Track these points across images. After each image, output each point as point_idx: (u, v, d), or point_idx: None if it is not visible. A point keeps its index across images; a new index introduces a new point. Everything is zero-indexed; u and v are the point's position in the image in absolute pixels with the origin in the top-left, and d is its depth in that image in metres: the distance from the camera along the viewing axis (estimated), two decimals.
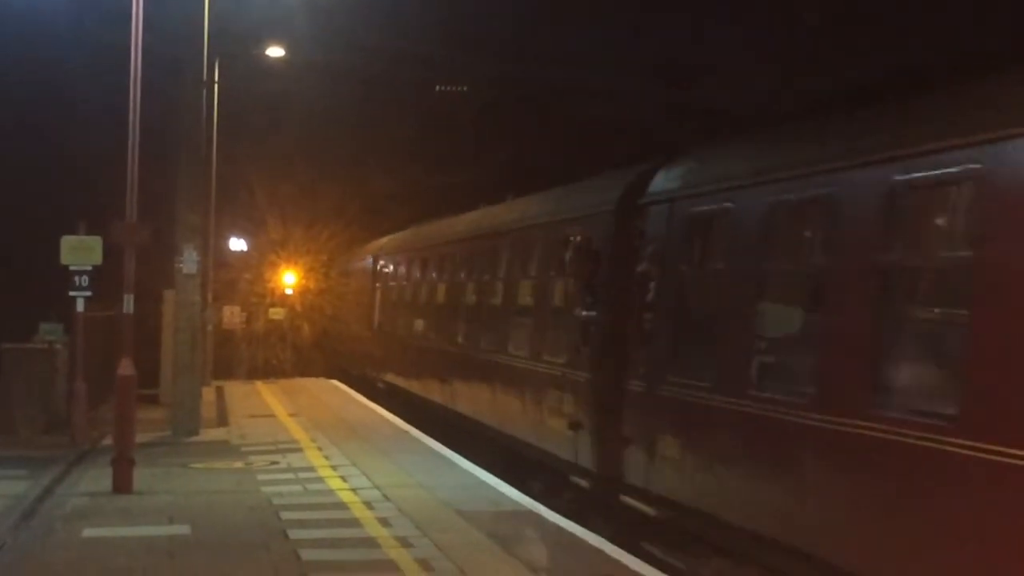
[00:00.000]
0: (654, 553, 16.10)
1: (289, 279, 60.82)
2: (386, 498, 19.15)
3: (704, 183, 16.29)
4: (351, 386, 42.59)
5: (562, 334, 20.64)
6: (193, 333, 27.80)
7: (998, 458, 9.62)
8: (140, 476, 20.31)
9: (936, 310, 11.13)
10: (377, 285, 42.02)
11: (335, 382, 45.44)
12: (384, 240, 44.89)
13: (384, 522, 17.22)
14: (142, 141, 21.57)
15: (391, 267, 40.05)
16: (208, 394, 35.46)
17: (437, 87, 67.80)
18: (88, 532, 16.62)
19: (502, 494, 19.86)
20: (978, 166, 10.41)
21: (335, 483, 20.78)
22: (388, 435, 27.90)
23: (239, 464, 23.20)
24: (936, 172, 11.02)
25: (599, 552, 15.57)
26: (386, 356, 38.86)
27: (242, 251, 61.41)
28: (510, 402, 23.33)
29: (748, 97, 44.58)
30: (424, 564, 14.55)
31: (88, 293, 26.28)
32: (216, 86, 40.71)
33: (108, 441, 23.47)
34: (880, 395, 11.33)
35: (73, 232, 25.95)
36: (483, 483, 20.99)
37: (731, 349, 14.42)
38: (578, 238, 20.23)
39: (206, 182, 35.45)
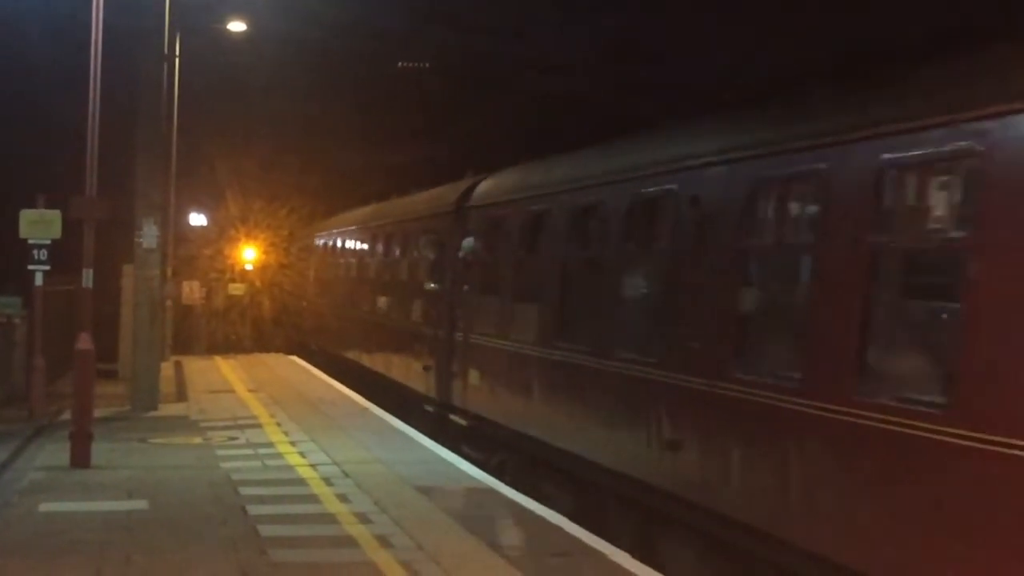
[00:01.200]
0: (469, 453, 22.27)
1: (249, 254, 60.67)
2: (345, 474, 19.17)
3: (493, 196, 23.92)
4: (311, 362, 42.57)
5: (422, 302, 28.22)
6: (152, 308, 27.73)
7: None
8: (98, 451, 20.26)
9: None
10: (311, 262, 47.92)
11: (294, 358, 45.41)
12: (331, 219, 47.60)
13: (343, 498, 17.24)
14: (102, 115, 21.47)
15: (328, 245, 44.58)
16: (167, 369, 35.39)
17: (399, 63, 67.67)
18: (45, 507, 16.58)
19: (461, 471, 19.91)
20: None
21: (294, 459, 20.79)
22: (348, 411, 27.91)
23: (198, 439, 23.17)
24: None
25: (557, 528, 15.63)
26: (320, 325, 44.44)
27: (202, 226, 61.18)
28: (393, 354, 30.77)
29: (707, 74, 44.68)
30: (383, 540, 14.58)
31: (47, 267, 26.19)
32: (177, 60, 40.52)
33: (66, 416, 23.41)
34: (562, 335, 18.63)
35: (32, 206, 25.84)
36: (442, 459, 21.03)
37: (501, 311, 21.87)
38: (431, 231, 27.95)
39: (166, 156, 35.31)
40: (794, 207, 13.27)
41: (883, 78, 12.06)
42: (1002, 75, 9.98)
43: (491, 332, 22.15)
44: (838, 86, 12.95)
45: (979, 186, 9.96)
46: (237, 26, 46.15)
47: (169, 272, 40.57)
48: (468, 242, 23.97)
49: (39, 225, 25.63)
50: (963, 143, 10.07)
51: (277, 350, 51.39)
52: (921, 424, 10.05)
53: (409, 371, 28.38)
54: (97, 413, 21.75)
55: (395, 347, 30.34)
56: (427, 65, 66.78)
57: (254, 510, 16.33)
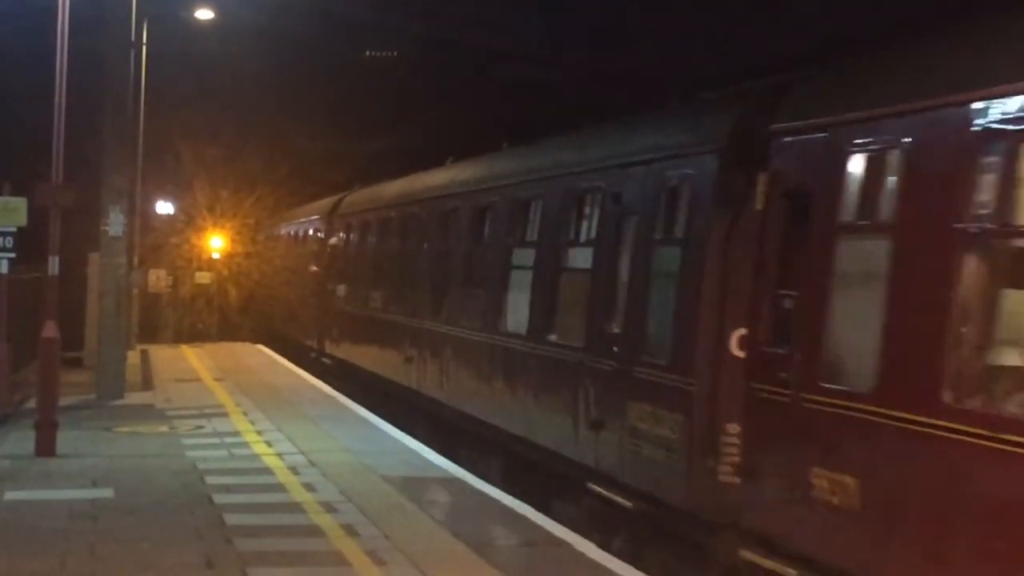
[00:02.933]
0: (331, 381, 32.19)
1: (216, 243, 60.53)
2: (311, 463, 19.15)
3: (351, 206, 35.87)
4: (278, 351, 42.50)
5: (310, 284, 39.67)
6: (118, 296, 27.63)
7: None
8: (63, 439, 20.20)
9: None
10: (276, 251, 50.70)
11: (261, 347, 45.32)
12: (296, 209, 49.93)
13: (309, 487, 17.22)
14: (69, 103, 21.39)
15: (287, 234, 47.86)
16: (133, 358, 35.25)
17: (367, 52, 67.61)
18: (10, 495, 16.53)
19: (428, 460, 19.91)
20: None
21: (260, 448, 20.76)
22: (314, 400, 27.88)
23: (164, 428, 23.12)
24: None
25: (523, 518, 15.65)
26: (282, 311, 46.85)
27: (169, 214, 61.03)
28: (305, 324, 40.70)
29: (681, 64, 44.70)
30: (349, 529, 14.58)
31: (12, 255, 25.97)
32: (144, 47, 40.37)
33: (31, 404, 23.33)
34: (390, 303, 28.78)
35: None
36: (409, 449, 21.03)
37: (356, 291, 33.00)
38: (316, 230, 39.94)
39: (133, 144, 35.21)
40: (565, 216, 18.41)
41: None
42: None
43: (346, 303, 34.11)
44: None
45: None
46: (204, 14, 45.95)
47: (135, 260, 40.49)
48: (333, 240, 36.35)
49: (4, 212, 25.35)
50: None
51: (244, 339, 51.28)
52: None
53: (304, 332, 40.62)
54: (62, 401, 21.69)
55: (305, 318, 40.43)
56: (394, 54, 66.75)
57: (220, 499, 16.31)
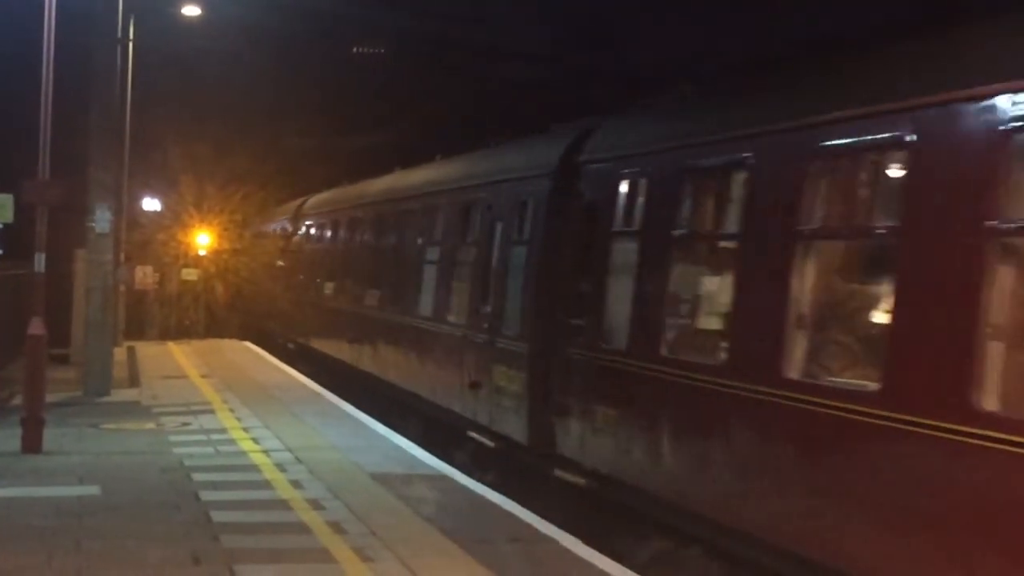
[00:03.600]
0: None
1: (203, 240, 60.47)
2: (298, 460, 19.14)
3: (310, 209, 41.00)
4: (265, 348, 42.50)
5: (281, 278, 44.06)
6: (105, 293, 27.59)
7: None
8: (50, 436, 20.17)
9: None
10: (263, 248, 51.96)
11: (248, 344, 45.29)
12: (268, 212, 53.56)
13: (296, 484, 17.21)
14: (55, 99, 21.34)
15: (270, 231, 50.06)
16: (120, 354, 35.21)
17: (355, 49, 67.54)
18: None
19: (415, 457, 19.90)
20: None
21: (247, 445, 20.75)
22: (301, 397, 27.87)
23: (151, 425, 23.09)
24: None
25: (511, 515, 15.65)
26: (263, 306, 49.53)
27: (156, 211, 60.95)
28: (281, 310, 43.88)
29: (666, 61, 44.69)
30: (336, 527, 14.57)
31: None
32: (131, 44, 40.30)
33: (17, 400, 23.30)
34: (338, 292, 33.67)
35: None
36: (396, 446, 21.02)
37: (312, 284, 37.69)
38: (287, 228, 43.92)
39: (119, 141, 35.15)
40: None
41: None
42: None
43: (304, 293, 39.12)
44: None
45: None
46: (191, 10, 45.86)
47: (122, 257, 40.43)
48: (295, 238, 40.83)
49: None
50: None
51: (231, 336, 51.24)
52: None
53: (275, 323, 45.26)
54: (49, 398, 21.63)
55: (276, 310, 44.61)
56: (382, 51, 66.67)
57: (207, 496, 16.29)
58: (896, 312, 10.74)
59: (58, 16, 21.88)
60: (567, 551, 13.84)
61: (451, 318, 22.95)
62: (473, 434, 20.61)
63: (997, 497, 9.23)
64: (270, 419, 23.70)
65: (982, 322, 9.58)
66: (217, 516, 15.03)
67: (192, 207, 60.33)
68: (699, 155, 14.71)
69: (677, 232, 14.87)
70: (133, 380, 30.99)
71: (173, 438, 21.44)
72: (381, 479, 17.67)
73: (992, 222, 9.64)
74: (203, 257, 60.12)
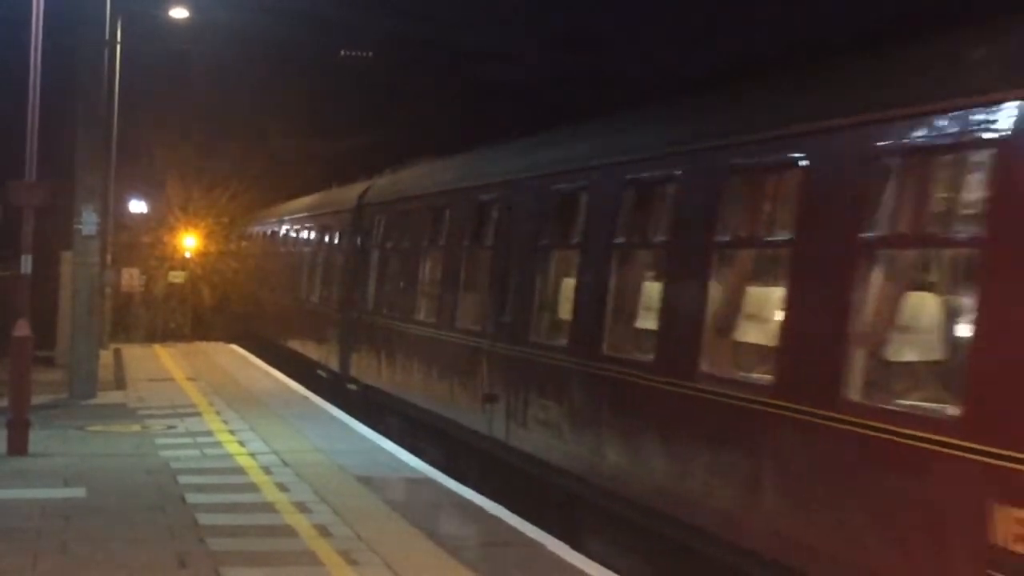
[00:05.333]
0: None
1: (189, 242, 60.42)
2: (284, 463, 19.13)
3: (248, 224, 51.42)
4: (251, 351, 42.45)
5: (261, 280, 46.14)
6: (91, 295, 27.56)
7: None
8: (36, 438, 20.13)
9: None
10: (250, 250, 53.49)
11: (234, 347, 45.24)
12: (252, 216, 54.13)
13: (282, 487, 17.20)
14: (42, 100, 21.31)
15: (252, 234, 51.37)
16: (106, 357, 35.17)
17: (342, 51, 67.52)
18: None
19: (401, 460, 19.90)
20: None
21: (233, 448, 20.73)
22: (287, 400, 27.85)
23: (136, 427, 23.06)
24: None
25: (496, 519, 15.65)
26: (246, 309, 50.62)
27: (142, 213, 60.88)
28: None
29: (648, 66, 44.73)
30: (322, 530, 14.56)
31: None
32: (118, 46, 40.25)
33: (3, 403, 23.21)
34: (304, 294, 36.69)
35: None
36: (382, 449, 21.02)
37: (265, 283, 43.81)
38: (264, 232, 46.96)
39: (106, 143, 35.10)
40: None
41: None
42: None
43: (267, 289, 43.37)
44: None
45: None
46: (179, 13, 45.86)
47: (108, 259, 40.38)
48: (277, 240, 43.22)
49: None
50: None
51: (217, 338, 51.20)
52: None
53: (253, 324, 46.79)
54: (34, 400, 21.57)
55: (254, 312, 46.78)
56: (370, 54, 66.64)
57: (193, 499, 16.27)
58: (782, 312, 11.61)
59: (46, 18, 21.86)
60: (553, 555, 13.84)
61: (314, 299, 34.05)
62: (320, 372, 31.75)
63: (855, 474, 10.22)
64: (256, 422, 23.69)
65: (852, 322, 10.43)
66: (203, 519, 15.02)
67: (179, 209, 60.30)
68: (404, 204, 25.68)
69: (401, 246, 25.36)
70: (119, 383, 30.95)
71: (159, 440, 21.42)
72: (367, 482, 17.67)
73: (865, 234, 10.47)
74: (190, 259, 60.07)
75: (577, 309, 16.03)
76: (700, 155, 13.58)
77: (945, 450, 9.05)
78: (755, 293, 12.47)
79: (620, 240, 15.09)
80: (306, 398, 28.44)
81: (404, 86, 62.29)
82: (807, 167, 11.51)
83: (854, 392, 10.28)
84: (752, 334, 12.33)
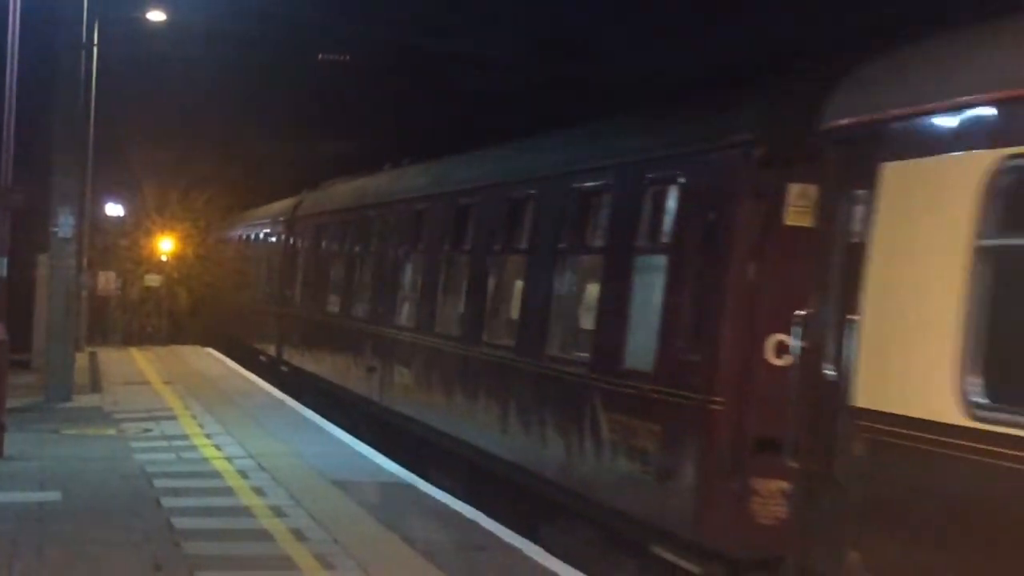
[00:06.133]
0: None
1: (166, 245, 60.31)
2: (260, 467, 19.11)
3: (221, 229, 53.72)
4: (227, 354, 42.40)
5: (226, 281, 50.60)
6: (67, 298, 27.51)
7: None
8: (11, 441, 20.09)
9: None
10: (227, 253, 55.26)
11: (210, 350, 45.18)
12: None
13: (258, 491, 17.19)
14: (18, 103, 21.28)
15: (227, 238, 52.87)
16: (82, 360, 35.09)
17: (320, 55, 67.41)
18: None
19: (378, 465, 19.90)
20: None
21: (209, 451, 20.70)
22: (263, 404, 27.84)
23: (112, 431, 23.02)
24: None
25: (473, 523, 15.66)
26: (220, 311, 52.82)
27: (119, 216, 60.73)
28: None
29: (631, 72, 44.78)
30: (298, 534, 14.55)
31: None
32: (95, 49, 40.19)
33: None
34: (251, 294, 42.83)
35: None
36: (358, 453, 21.02)
37: (232, 283, 47.21)
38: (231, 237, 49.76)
39: (83, 146, 35.04)
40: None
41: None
42: None
43: (231, 296, 46.50)
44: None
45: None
46: (156, 16, 45.77)
47: (85, 262, 40.29)
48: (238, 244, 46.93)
49: None
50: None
51: (194, 342, 51.11)
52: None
53: (221, 325, 49.35)
54: (10, 403, 21.54)
55: (221, 313, 50.02)
56: (348, 58, 66.56)
57: (168, 502, 16.25)
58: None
59: (23, 21, 21.81)
60: (530, 560, 13.85)
61: (260, 298, 38.83)
62: (261, 357, 37.15)
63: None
64: (232, 426, 23.66)
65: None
66: (178, 522, 15.00)
67: (155, 212, 60.18)
68: (320, 218, 31.95)
69: (317, 252, 31.11)
70: (95, 386, 30.90)
71: (135, 444, 21.38)
72: (343, 486, 17.66)
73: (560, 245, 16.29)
74: (166, 263, 59.97)
75: (423, 302, 22.02)
76: (487, 190, 19.86)
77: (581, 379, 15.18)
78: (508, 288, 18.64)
79: (445, 247, 21.41)
80: (282, 402, 28.42)
81: (382, 90, 62.24)
82: (536, 200, 17.68)
83: (553, 349, 16.21)
84: (513, 314, 18.17)
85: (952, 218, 8.55)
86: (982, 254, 8.26)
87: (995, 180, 8.25)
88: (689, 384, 12.53)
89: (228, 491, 17.27)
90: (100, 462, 19.44)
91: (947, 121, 9.00)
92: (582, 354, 15.31)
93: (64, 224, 26.84)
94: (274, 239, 37.66)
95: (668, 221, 13.72)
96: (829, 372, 9.81)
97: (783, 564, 10.39)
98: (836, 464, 9.64)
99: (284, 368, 33.54)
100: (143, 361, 39.70)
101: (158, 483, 17.64)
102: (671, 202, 13.67)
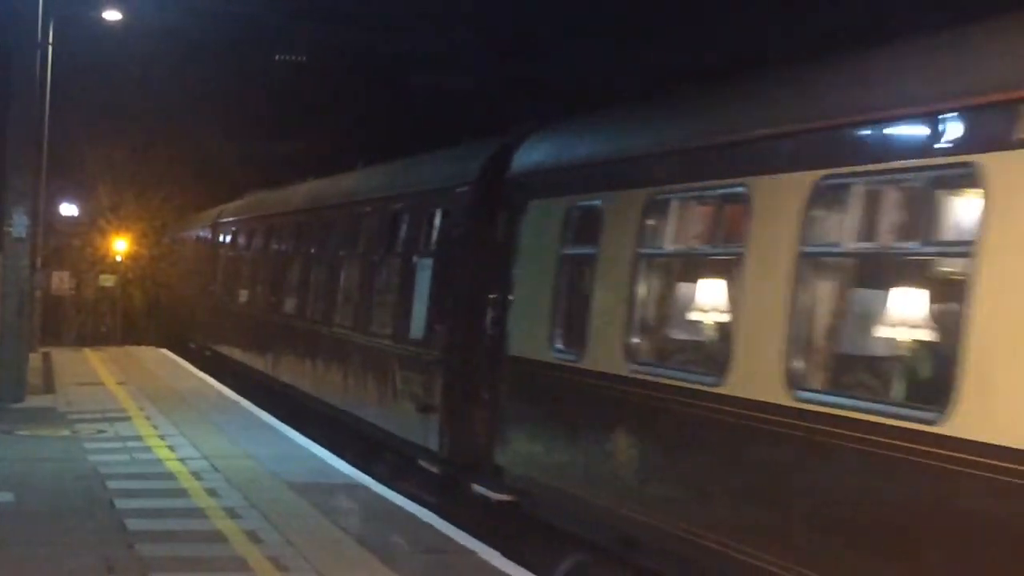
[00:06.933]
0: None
1: (120, 246, 60.07)
2: (214, 468, 19.05)
3: (174, 231, 55.30)
4: (182, 355, 42.27)
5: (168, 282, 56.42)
6: (21, 298, 27.35)
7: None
8: None
9: None
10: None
11: (165, 351, 45.01)
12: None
13: (212, 492, 17.13)
14: None
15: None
16: (35, 361, 34.89)
17: (277, 56, 67.31)
18: None
19: (331, 466, 19.86)
20: None
21: (163, 453, 20.61)
22: (217, 405, 27.73)
23: (65, 432, 22.89)
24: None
25: (428, 526, 15.64)
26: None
27: (73, 216, 60.48)
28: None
29: (588, 73, 44.85)
30: (252, 535, 14.51)
31: None
32: (50, 48, 40.00)
33: None
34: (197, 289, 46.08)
35: None
36: (312, 455, 20.97)
37: (179, 282, 51.40)
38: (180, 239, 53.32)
39: (37, 145, 34.87)
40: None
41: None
42: None
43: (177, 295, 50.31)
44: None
45: None
46: (112, 15, 45.61)
47: (39, 262, 40.08)
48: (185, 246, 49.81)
49: None
50: None
51: (148, 343, 50.92)
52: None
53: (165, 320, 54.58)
54: None
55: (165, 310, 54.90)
56: (304, 58, 66.45)
57: (122, 504, 16.17)
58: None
59: None
60: (485, 563, 13.84)
61: (192, 294, 43.73)
62: (191, 345, 41.96)
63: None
64: (187, 427, 23.56)
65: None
66: (132, 524, 14.93)
67: (110, 212, 59.94)
68: (232, 225, 38.16)
69: (229, 254, 37.34)
70: (48, 386, 30.74)
71: (88, 445, 21.26)
72: (298, 488, 17.62)
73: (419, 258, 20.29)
74: (121, 263, 59.73)
75: (297, 295, 28.32)
76: (340, 208, 26.21)
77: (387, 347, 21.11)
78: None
79: (312, 252, 27.80)
80: (237, 403, 28.33)
81: (338, 90, 62.20)
82: (367, 216, 23.96)
83: (374, 327, 22.20)
84: (352, 303, 24.07)
85: (551, 234, 15.42)
86: (564, 258, 15.05)
87: (570, 213, 14.98)
88: (436, 346, 18.55)
89: (182, 492, 17.21)
90: (53, 463, 19.34)
91: (557, 177, 15.76)
92: (387, 330, 21.23)
93: (18, 224, 26.69)
94: (203, 243, 43.20)
95: (434, 235, 19.74)
96: (497, 333, 16.52)
97: (482, 464, 16.59)
98: (501, 389, 16.27)
99: (208, 352, 39.34)
100: (97, 361, 39.51)
101: (112, 484, 17.56)
102: (436, 221, 19.61)
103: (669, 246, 13.01)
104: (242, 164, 57.32)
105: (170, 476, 18.48)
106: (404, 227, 21.27)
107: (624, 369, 13.15)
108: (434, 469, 18.22)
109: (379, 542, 14.47)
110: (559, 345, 14.71)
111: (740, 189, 11.58)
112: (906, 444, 9.11)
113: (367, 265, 23.13)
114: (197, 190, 56.54)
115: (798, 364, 10.48)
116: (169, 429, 23.32)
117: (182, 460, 19.83)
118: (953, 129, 9.31)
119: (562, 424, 14.81)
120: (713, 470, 11.67)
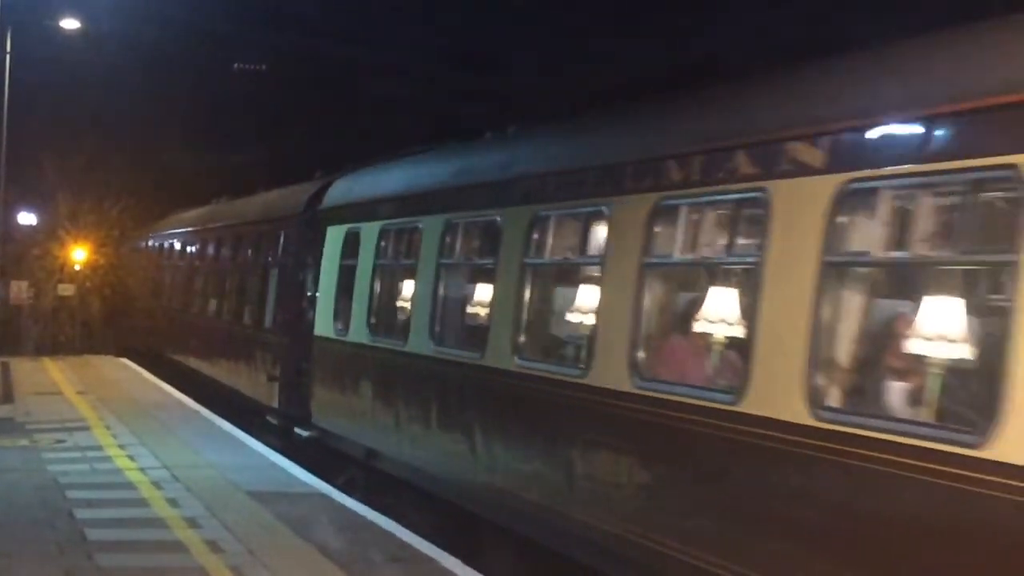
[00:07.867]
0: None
1: (79, 255, 59.84)
2: (175, 478, 19.01)
3: (133, 240, 53.81)
4: (142, 365, 42.14)
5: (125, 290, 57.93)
6: None
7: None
8: None
9: None
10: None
11: (125, 360, 44.86)
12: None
13: (173, 503, 17.09)
14: None
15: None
16: None
17: (236, 64, 67.24)
18: None
19: (292, 476, 19.84)
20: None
21: (123, 462, 20.55)
22: (178, 415, 27.66)
23: (24, 442, 22.79)
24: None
25: (390, 535, 15.64)
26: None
27: (31, 225, 60.21)
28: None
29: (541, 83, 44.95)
30: (213, 545, 14.49)
31: None
32: (8, 56, 39.86)
33: None
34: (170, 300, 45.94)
35: None
36: (274, 464, 20.95)
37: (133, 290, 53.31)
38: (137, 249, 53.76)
39: None
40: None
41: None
42: None
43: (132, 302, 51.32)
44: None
45: None
46: (70, 23, 45.47)
47: None
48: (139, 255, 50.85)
49: None
50: None
51: (107, 352, 50.70)
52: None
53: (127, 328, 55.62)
54: None
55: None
56: (263, 67, 66.39)
57: (81, 514, 16.13)
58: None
59: None
60: (447, 571, 13.86)
61: (141, 299, 46.63)
62: (139, 347, 44.62)
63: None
64: (147, 437, 23.50)
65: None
66: (92, 534, 14.90)
67: (68, 221, 59.69)
68: (160, 238, 44.54)
69: (161, 263, 42.56)
70: (7, 396, 30.60)
71: (47, 455, 21.18)
72: (259, 497, 17.60)
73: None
74: (79, 272, 59.48)
75: (208, 299, 33.85)
76: (227, 228, 33.06)
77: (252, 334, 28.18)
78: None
79: (213, 264, 34.32)
80: (197, 412, 28.27)
81: (297, 100, 62.18)
82: (241, 236, 31.01)
83: (245, 318, 29.03)
84: (235, 303, 30.47)
85: (336, 250, 21.57)
86: (342, 267, 21.18)
87: (347, 236, 21.15)
88: (277, 332, 25.51)
89: (142, 502, 17.17)
90: (12, 473, 19.26)
91: (342, 211, 21.98)
92: (251, 321, 28.24)
93: None
94: (143, 253, 48.11)
95: (279, 250, 26.56)
96: (309, 320, 22.86)
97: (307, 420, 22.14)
98: (311, 360, 22.21)
99: (148, 352, 43.21)
100: (56, 371, 39.34)
101: (71, 494, 17.50)
102: (282, 240, 26.35)
103: (399, 260, 19.17)
104: (201, 174, 57.17)
105: (130, 486, 18.43)
106: (264, 244, 28.24)
107: (365, 338, 19.65)
108: (275, 422, 24.70)
109: (340, 550, 14.47)
110: (338, 326, 20.92)
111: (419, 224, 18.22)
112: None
113: (243, 273, 30.15)
114: (156, 199, 56.31)
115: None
116: (129, 439, 23.26)
117: (142, 470, 19.78)
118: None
119: (334, 380, 21.20)
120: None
